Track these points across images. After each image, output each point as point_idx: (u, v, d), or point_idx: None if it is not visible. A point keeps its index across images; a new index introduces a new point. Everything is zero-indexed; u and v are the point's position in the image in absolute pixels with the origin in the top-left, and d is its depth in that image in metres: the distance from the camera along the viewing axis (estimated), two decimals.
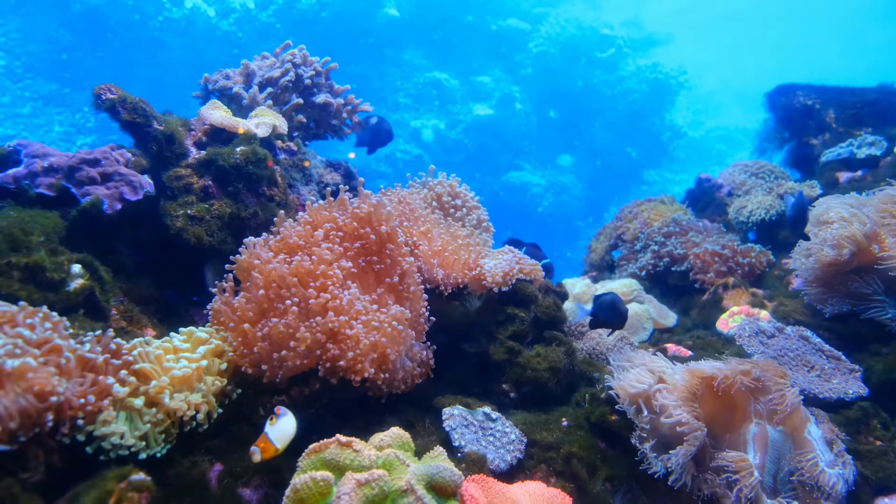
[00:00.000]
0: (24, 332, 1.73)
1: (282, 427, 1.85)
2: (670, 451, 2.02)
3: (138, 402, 1.85)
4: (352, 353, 2.11)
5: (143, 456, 1.81)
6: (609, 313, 2.74)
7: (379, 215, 2.53)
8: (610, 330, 2.95)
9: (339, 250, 2.39)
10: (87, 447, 1.75)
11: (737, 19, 28.95)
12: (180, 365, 2.01)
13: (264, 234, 2.52)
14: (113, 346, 1.94)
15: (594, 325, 2.85)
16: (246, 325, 2.18)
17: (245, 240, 2.43)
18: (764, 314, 3.27)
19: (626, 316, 2.76)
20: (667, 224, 4.38)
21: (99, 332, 1.98)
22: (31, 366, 1.64)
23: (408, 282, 2.51)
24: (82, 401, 1.73)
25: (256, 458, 1.80)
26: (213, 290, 2.38)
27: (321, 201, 2.63)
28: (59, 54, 14.12)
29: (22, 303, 1.86)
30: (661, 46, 20.47)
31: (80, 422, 1.74)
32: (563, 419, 2.40)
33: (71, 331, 1.91)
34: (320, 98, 3.62)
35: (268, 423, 1.86)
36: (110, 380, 1.83)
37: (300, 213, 2.61)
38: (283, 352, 2.12)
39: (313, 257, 2.29)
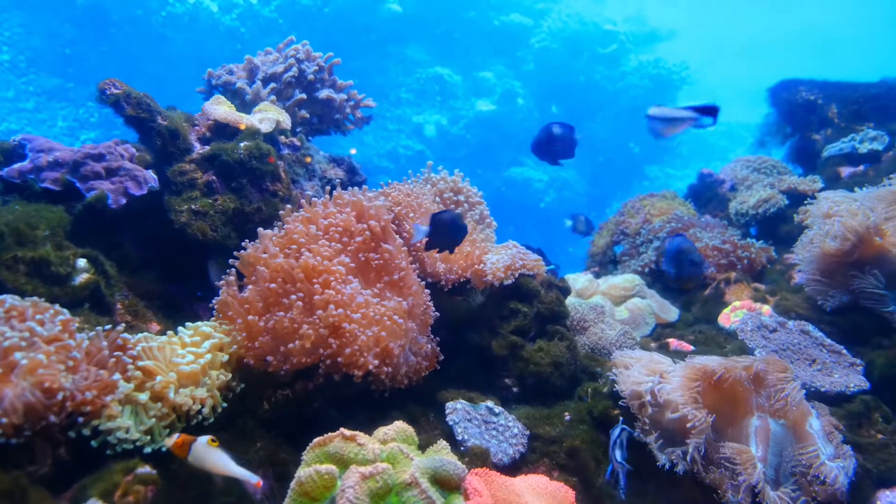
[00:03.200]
0: (35, 326, 1.74)
1: (208, 455, 1.72)
2: (675, 445, 2.04)
3: (143, 396, 1.87)
4: (349, 349, 2.12)
5: (148, 450, 1.83)
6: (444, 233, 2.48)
7: (372, 211, 2.54)
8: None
9: (337, 247, 2.40)
10: (93, 441, 1.77)
11: (739, 14, 28.89)
12: (187, 360, 2.02)
13: (275, 228, 2.54)
14: (120, 341, 1.96)
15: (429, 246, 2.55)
16: (251, 318, 2.19)
17: (260, 230, 2.44)
18: (766, 309, 3.28)
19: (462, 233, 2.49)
20: (669, 220, 4.38)
21: (109, 326, 1.99)
22: (41, 361, 1.65)
23: (408, 276, 2.52)
24: (88, 395, 1.74)
25: (168, 442, 1.76)
26: (219, 284, 2.40)
27: (320, 198, 2.64)
28: (63, 49, 14.14)
29: (35, 298, 1.87)
30: (663, 42, 20.43)
31: (82, 419, 1.75)
32: (566, 413, 2.41)
33: (77, 325, 1.92)
34: (323, 93, 3.63)
35: (209, 439, 1.74)
36: (116, 375, 1.84)
37: (296, 212, 2.61)
38: (289, 346, 2.13)
39: (317, 257, 2.30)
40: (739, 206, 4.50)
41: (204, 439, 1.74)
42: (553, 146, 2.96)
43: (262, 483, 1.74)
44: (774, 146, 5.38)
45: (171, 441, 1.75)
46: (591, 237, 5.11)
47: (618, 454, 2.00)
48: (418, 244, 2.69)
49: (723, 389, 2.17)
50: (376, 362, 2.16)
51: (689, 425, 1.99)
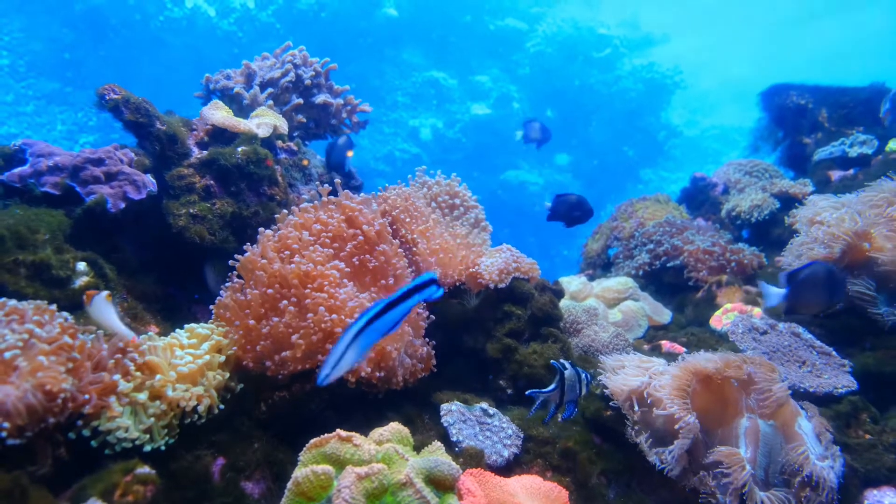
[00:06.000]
0: (34, 328, 1.77)
1: (102, 308, 1.98)
2: (664, 444, 2.07)
3: (142, 396, 1.89)
4: None
5: (147, 448, 1.85)
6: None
7: (362, 218, 2.57)
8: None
9: (329, 252, 2.43)
10: (93, 441, 1.79)
11: (732, 19, 28.97)
12: (185, 361, 2.05)
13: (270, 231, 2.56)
14: (121, 343, 1.98)
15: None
16: (251, 322, 2.22)
17: (260, 230, 2.47)
18: (757, 311, 3.31)
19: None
20: (661, 224, 4.42)
21: None
22: (42, 363, 1.68)
23: (402, 279, 2.55)
24: (87, 397, 1.76)
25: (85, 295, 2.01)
26: (222, 288, 2.42)
27: (309, 203, 2.67)
28: (62, 53, 14.14)
29: (36, 301, 1.90)
30: (657, 46, 20.50)
31: (81, 421, 1.78)
32: (559, 414, 2.44)
33: (78, 327, 1.94)
34: (320, 98, 3.66)
35: (107, 294, 2.00)
36: (116, 376, 1.87)
37: (291, 216, 2.63)
38: (285, 353, 2.16)
39: (309, 264, 2.32)
40: (732, 209, 4.54)
41: (104, 293, 1.99)
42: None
43: (136, 338, 2.00)
44: (766, 150, 5.42)
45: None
46: (547, 144, 5.13)
47: (540, 390, 2.16)
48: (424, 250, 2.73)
49: (713, 390, 2.21)
50: (369, 369, 2.19)
51: (676, 427, 2.02)
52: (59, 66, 14.19)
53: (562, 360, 2.18)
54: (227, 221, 2.80)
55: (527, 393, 2.16)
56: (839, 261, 2.91)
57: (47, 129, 13.83)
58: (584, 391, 2.17)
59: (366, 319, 1.54)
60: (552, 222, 3.19)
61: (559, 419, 2.21)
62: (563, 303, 3.50)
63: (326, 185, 2.77)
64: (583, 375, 2.17)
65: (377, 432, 1.89)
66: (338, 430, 1.79)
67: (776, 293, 2.66)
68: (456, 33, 16.99)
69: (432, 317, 2.63)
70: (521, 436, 2.30)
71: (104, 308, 1.99)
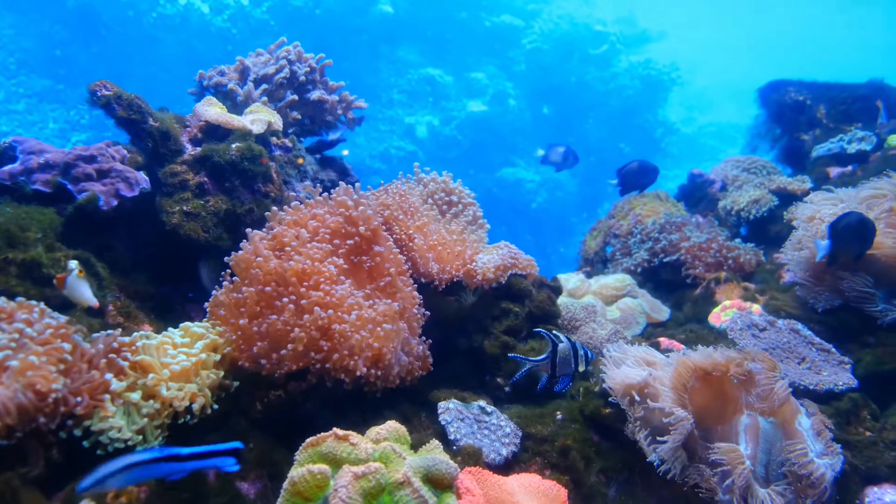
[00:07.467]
0: (24, 328, 1.74)
1: (75, 284, 2.10)
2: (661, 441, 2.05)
3: (135, 395, 1.87)
4: (337, 355, 2.12)
5: (140, 450, 1.83)
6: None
7: (360, 216, 2.54)
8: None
9: (327, 248, 2.41)
10: (85, 441, 1.77)
11: (729, 16, 29.04)
12: (178, 359, 2.03)
13: (263, 229, 2.53)
14: (115, 344, 1.96)
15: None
16: (244, 322, 2.19)
17: (249, 231, 2.44)
18: (756, 308, 3.30)
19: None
20: (659, 222, 4.41)
21: (109, 332, 1.99)
22: (32, 363, 1.65)
23: (399, 278, 2.52)
24: (80, 398, 1.74)
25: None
26: (214, 287, 2.39)
27: (302, 201, 2.64)
28: (53, 50, 14.08)
29: (21, 299, 1.87)
30: (653, 43, 20.52)
31: (71, 421, 1.75)
32: (558, 412, 2.42)
33: (69, 327, 1.92)
34: (315, 95, 3.63)
35: (78, 270, 2.12)
36: (108, 376, 1.84)
37: (281, 213, 2.60)
38: (282, 351, 2.14)
39: (306, 261, 2.30)
40: (730, 205, 4.53)
41: (74, 272, 2.11)
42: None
43: (97, 305, 2.17)
44: (765, 149, 5.41)
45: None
46: (568, 169, 5.18)
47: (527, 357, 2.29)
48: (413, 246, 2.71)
49: (712, 387, 2.19)
50: (365, 368, 2.17)
51: (666, 420, 2.00)
52: (51, 64, 14.12)
53: (555, 332, 2.14)
54: (221, 219, 2.78)
55: (509, 356, 2.12)
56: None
57: (39, 127, 13.76)
58: (582, 367, 2.13)
59: (152, 456, 1.53)
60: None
61: (555, 390, 2.19)
62: (561, 300, 3.48)
63: (318, 186, 2.75)
64: (581, 351, 2.12)
65: (374, 431, 1.87)
66: (334, 429, 1.77)
67: (824, 245, 2.84)
68: (452, 30, 16.97)
69: (428, 314, 2.60)
70: (520, 434, 2.28)
71: (78, 284, 2.11)
